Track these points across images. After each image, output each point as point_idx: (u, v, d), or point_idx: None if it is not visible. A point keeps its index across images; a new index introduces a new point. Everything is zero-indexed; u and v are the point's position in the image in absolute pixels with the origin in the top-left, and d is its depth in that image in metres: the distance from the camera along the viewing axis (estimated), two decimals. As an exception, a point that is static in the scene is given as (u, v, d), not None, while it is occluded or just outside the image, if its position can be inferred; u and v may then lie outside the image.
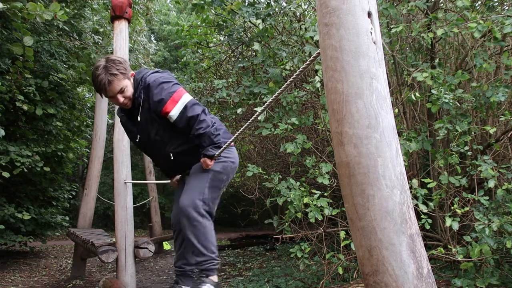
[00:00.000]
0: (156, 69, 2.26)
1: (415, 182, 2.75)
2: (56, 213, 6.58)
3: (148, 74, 2.14)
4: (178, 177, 2.45)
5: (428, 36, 2.82)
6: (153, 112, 2.06)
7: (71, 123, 6.80)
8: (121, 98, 2.04)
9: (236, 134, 1.97)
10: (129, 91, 2.07)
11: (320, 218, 2.94)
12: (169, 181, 2.56)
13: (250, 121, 1.79)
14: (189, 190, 2.09)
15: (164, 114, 2.05)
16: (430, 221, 2.70)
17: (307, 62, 1.42)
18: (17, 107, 5.29)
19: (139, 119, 2.11)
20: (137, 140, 2.21)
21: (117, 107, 2.38)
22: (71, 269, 5.25)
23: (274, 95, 1.64)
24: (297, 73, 1.50)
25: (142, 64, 8.31)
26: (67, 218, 6.88)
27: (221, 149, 2.05)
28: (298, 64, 3.56)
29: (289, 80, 1.55)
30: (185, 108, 2.02)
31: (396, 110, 3.15)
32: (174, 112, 2.04)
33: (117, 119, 2.28)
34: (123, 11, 3.60)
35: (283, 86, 1.55)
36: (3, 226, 5.10)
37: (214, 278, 2.08)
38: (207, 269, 2.04)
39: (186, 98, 2.06)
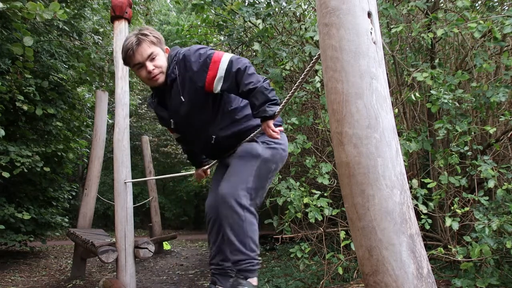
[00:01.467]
0: None
1: (415, 182, 2.75)
2: (56, 213, 6.58)
3: (182, 49, 1.89)
4: (206, 167, 2.26)
5: (428, 36, 2.82)
6: (193, 86, 1.80)
7: (71, 123, 6.80)
8: (150, 66, 1.78)
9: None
10: (161, 61, 1.81)
11: (320, 218, 2.94)
12: (193, 171, 2.30)
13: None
14: (232, 176, 1.84)
15: (208, 84, 1.78)
16: (430, 221, 2.70)
17: (312, 62, 1.42)
18: (17, 107, 5.28)
19: (173, 99, 1.84)
20: (172, 126, 1.95)
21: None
22: (71, 269, 5.25)
23: (288, 95, 1.64)
24: (304, 72, 1.50)
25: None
26: (67, 218, 6.88)
27: (280, 107, 1.70)
28: (298, 64, 3.56)
29: (298, 82, 1.57)
30: (231, 62, 1.75)
31: (396, 110, 3.15)
32: (220, 74, 1.76)
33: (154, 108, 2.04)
34: (123, 11, 3.60)
35: (294, 86, 1.57)
36: (3, 226, 5.10)
37: (254, 281, 1.82)
38: (245, 269, 1.78)
39: (228, 55, 1.79)
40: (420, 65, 3.03)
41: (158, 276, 5.12)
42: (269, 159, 1.88)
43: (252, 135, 1.90)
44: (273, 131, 1.71)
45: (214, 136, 1.91)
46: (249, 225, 1.79)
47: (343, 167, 1.00)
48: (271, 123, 1.72)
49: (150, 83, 1.86)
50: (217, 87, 1.79)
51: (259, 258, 1.82)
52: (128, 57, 1.78)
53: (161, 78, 1.83)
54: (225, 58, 1.77)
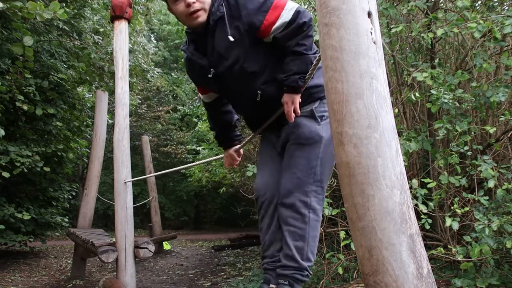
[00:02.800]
0: None
1: (415, 182, 2.75)
2: (56, 213, 6.58)
3: None
4: (238, 146, 1.92)
5: (428, 36, 2.82)
6: (244, 27, 1.50)
7: (71, 123, 6.80)
8: None
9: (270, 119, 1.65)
10: None
11: (320, 218, 2.94)
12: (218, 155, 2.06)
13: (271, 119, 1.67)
14: (294, 169, 1.58)
15: (264, 29, 1.50)
16: (430, 221, 2.70)
17: (313, 64, 1.43)
18: (17, 107, 5.28)
19: (217, 41, 1.54)
20: (211, 75, 1.61)
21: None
22: (71, 269, 5.25)
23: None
24: (309, 72, 1.49)
25: (142, 64, 8.31)
26: (67, 218, 6.88)
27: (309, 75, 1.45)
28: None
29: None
30: (297, 13, 1.48)
31: (396, 110, 3.15)
32: (281, 21, 1.48)
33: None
34: (123, 11, 3.60)
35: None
36: (3, 226, 5.10)
37: None
38: (293, 277, 1.58)
39: (292, 2, 1.53)
40: (420, 65, 3.03)
41: (158, 276, 5.12)
42: (331, 138, 1.60)
43: (308, 107, 1.59)
44: (295, 110, 1.49)
45: (259, 92, 1.60)
46: (311, 230, 1.58)
47: (343, 167, 1.00)
48: (297, 98, 1.50)
49: (188, 21, 1.54)
50: (271, 35, 1.51)
51: (311, 271, 1.63)
52: None
53: (203, 16, 1.52)
54: (290, 5, 1.50)
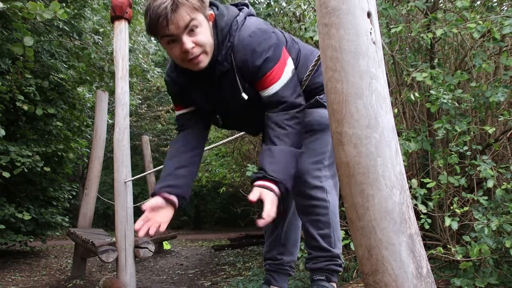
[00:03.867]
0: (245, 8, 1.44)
1: (414, 182, 2.76)
2: (56, 213, 6.58)
3: (241, 20, 1.35)
4: (174, 200, 1.66)
5: (427, 36, 2.82)
6: (244, 80, 1.37)
7: (71, 123, 6.81)
8: (189, 43, 1.24)
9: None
10: (205, 35, 1.27)
11: (320, 218, 2.94)
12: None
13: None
14: (307, 154, 1.47)
15: (259, 85, 1.36)
16: (429, 221, 2.70)
17: (312, 65, 1.43)
18: (17, 107, 5.29)
19: (224, 92, 1.39)
20: (220, 122, 1.52)
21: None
22: (71, 269, 5.26)
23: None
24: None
25: (142, 64, 8.31)
26: (67, 218, 6.88)
27: None
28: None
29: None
30: (290, 79, 1.36)
31: (396, 110, 3.15)
32: (284, 79, 1.35)
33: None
34: (123, 11, 3.60)
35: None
36: (4, 226, 5.11)
37: (335, 285, 1.51)
38: (328, 269, 1.46)
39: (290, 65, 1.39)
40: (419, 65, 3.03)
41: (158, 276, 5.13)
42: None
43: (312, 99, 1.51)
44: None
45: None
46: (333, 215, 1.46)
47: (343, 167, 1.00)
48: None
49: (186, 65, 1.32)
50: (264, 93, 1.37)
51: (342, 259, 1.50)
52: (160, 27, 1.21)
53: (204, 61, 1.30)
54: (288, 68, 1.38)
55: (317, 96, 1.54)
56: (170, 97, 1.63)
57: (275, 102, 1.36)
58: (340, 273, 1.52)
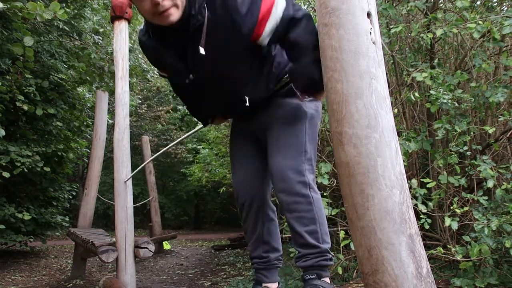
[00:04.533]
0: None
1: (414, 182, 2.76)
2: (56, 213, 6.58)
3: None
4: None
5: (427, 36, 2.82)
6: (230, 35, 1.31)
7: (71, 123, 6.81)
8: None
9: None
10: None
11: (320, 218, 2.94)
12: (202, 126, 1.81)
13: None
14: (283, 147, 1.46)
15: (256, 32, 1.31)
16: (429, 221, 2.70)
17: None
18: (17, 107, 5.29)
19: (200, 50, 1.32)
20: (188, 81, 1.43)
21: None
22: (71, 269, 5.25)
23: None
24: None
25: (142, 64, 8.31)
26: (67, 218, 6.88)
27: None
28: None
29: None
30: (287, 5, 1.31)
31: (396, 110, 3.15)
32: (273, 20, 1.29)
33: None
34: (123, 11, 3.60)
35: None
36: (4, 226, 5.11)
37: (328, 279, 1.49)
38: (318, 265, 1.46)
39: None
40: (419, 65, 3.03)
41: (158, 276, 5.12)
42: (314, 114, 1.51)
43: (285, 87, 1.48)
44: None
45: (248, 98, 1.46)
46: (318, 209, 1.46)
47: (343, 167, 1.00)
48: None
49: (156, 20, 1.29)
50: (264, 37, 1.34)
51: (331, 253, 1.51)
52: None
53: (175, 15, 1.27)
54: None
55: (291, 84, 1.48)
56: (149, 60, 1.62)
57: (277, 35, 1.35)
58: (331, 266, 1.51)
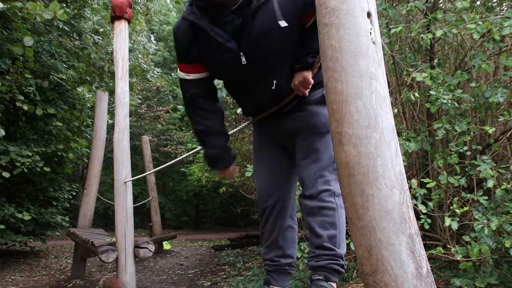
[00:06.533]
0: None
1: (414, 182, 2.76)
2: (56, 213, 6.58)
3: None
4: (234, 166, 1.72)
5: (427, 36, 2.82)
6: (294, 11, 1.35)
7: (71, 123, 6.81)
8: None
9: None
10: None
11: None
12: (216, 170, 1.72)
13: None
14: (315, 157, 1.49)
15: (307, 17, 1.37)
16: (429, 221, 2.70)
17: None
18: (17, 107, 5.29)
19: (256, 26, 1.34)
20: (243, 62, 1.41)
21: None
22: (71, 269, 5.26)
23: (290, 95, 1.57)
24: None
25: (142, 64, 8.31)
26: (67, 218, 6.88)
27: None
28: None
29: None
30: None
31: (396, 110, 3.15)
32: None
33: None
34: (123, 11, 3.60)
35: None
36: (4, 226, 5.11)
37: (335, 285, 1.52)
38: (329, 267, 1.47)
39: None
40: (419, 65, 3.03)
41: (158, 276, 5.13)
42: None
43: (318, 92, 1.50)
44: (308, 83, 1.40)
45: (275, 81, 1.47)
46: (340, 217, 1.49)
47: (343, 167, 1.00)
48: (307, 74, 1.40)
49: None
50: (309, 22, 1.36)
51: (344, 261, 1.52)
52: None
53: None
54: None
55: (323, 92, 1.50)
56: (179, 54, 1.54)
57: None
58: (342, 274, 1.55)
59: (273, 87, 1.48)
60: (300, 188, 1.62)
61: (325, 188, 1.48)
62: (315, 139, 1.53)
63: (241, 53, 1.40)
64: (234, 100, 1.76)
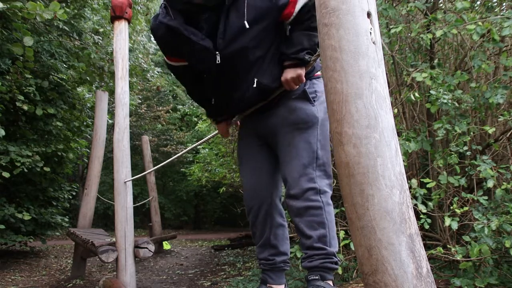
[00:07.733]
0: None
1: (414, 182, 2.76)
2: (56, 213, 6.58)
3: None
4: (234, 119, 1.73)
5: (427, 36, 2.82)
6: (266, 8, 1.34)
7: (71, 123, 6.81)
8: None
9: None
10: None
11: (319, 218, 2.94)
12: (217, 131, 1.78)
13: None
14: (297, 155, 1.47)
15: (290, 8, 1.37)
16: (429, 221, 2.70)
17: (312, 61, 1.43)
18: (17, 107, 5.29)
19: (230, 24, 1.34)
20: (218, 61, 1.40)
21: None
22: (71, 269, 5.25)
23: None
24: (315, 54, 1.47)
25: (142, 64, 8.31)
26: (67, 218, 6.88)
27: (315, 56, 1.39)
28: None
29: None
30: None
31: (396, 110, 3.16)
32: (302, 2, 1.35)
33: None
34: (123, 11, 3.60)
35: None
36: (3, 226, 5.11)
37: (331, 282, 1.50)
38: (323, 266, 1.46)
39: None
40: (419, 65, 3.03)
41: (158, 276, 5.12)
42: (325, 117, 1.50)
43: (299, 88, 1.48)
44: (300, 79, 1.39)
45: (256, 79, 1.45)
46: (328, 215, 1.48)
47: (343, 167, 1.00)
48: (303, 73, 1.40)
49: None
50: (294, 14, 1.37)
51: (338, 257, 1.51)
52: None
53: None
54: None
55: (305, 87, 1.51)
56: (161, 49, 1.58)
57: (298, 18, 1.41)
58: (336, 271, 1.53)
59: (254, 85, 1.47)
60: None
61: (310, 186, 1.45)
62: (295, 135, 1.50)
63: (217, 52, 1.40)
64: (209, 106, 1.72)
